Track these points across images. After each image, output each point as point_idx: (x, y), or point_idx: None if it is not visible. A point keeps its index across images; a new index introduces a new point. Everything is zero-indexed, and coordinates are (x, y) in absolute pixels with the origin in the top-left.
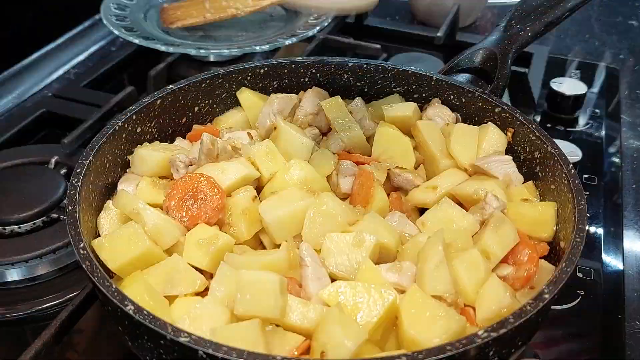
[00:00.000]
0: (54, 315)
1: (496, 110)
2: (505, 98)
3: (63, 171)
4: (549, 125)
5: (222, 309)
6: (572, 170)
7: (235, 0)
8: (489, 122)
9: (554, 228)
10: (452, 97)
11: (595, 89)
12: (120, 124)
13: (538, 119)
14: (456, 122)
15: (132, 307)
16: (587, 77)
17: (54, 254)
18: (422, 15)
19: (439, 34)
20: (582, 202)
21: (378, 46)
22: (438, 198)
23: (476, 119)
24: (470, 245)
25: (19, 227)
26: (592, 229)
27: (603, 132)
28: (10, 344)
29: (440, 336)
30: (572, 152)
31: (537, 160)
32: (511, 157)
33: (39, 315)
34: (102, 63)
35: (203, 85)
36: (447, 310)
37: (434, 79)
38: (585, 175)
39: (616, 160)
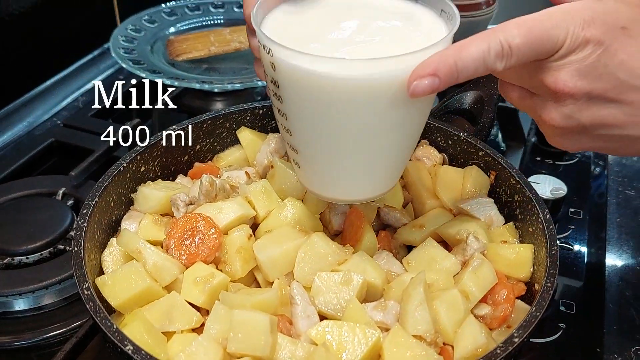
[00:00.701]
0: (58, 343)
1: (480, 153)
2: (497, 131)
3: (70, 202)
4: (538, 158)
5: (216, 346)
6: (548, 216)
7: (239, 34)
8: (473, 165)
9: (531, 269)
10: (439, 138)
11: None
12: (125, 164)
13: (528, 152)
14: (443, 163)
15: (131, 347)
16: None
17: (59, 285)
18: None
19: None
20: (555, 248)
21: None
22: (424, 237)
23: (462, 160)
24: (451, 285)
25: (27, 258)
26: (575, 263)
27: (590, 166)
28: None
29: None
30: (557, 187)
31: (517, 203)
32: (493, 200)
33: (45, 343)
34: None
35: (204, 125)
36: (427, 349)
37: None
38: (572, 209)
39: (602, 194)
